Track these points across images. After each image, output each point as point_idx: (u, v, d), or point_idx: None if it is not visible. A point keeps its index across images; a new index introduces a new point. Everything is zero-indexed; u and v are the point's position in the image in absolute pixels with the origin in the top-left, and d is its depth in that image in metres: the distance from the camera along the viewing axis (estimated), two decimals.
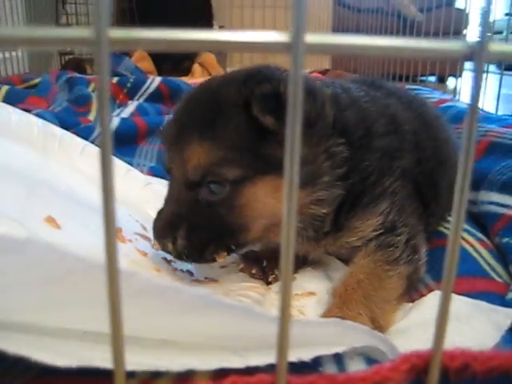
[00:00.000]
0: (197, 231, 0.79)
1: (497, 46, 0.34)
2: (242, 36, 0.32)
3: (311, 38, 0.32)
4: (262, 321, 0.48)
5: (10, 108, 1.07)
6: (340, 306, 0.75)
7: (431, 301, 0.80)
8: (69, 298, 0.44)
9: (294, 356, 0.47)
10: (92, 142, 1.34)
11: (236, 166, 0.76)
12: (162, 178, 1.27)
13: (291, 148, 0.33)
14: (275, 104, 0.72)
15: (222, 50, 0.43)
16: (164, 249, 0.81)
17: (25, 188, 0.86)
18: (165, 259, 0.90)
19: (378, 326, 0.74)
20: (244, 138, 0.76)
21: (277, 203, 0.77)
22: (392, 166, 0.87)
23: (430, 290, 0.87)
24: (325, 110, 0.78)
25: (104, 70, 0.32)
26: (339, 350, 0.53)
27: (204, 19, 3.48)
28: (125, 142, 1.58)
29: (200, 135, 0.76)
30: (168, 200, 0.83)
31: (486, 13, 0.33)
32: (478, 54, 0.34)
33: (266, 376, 0.40)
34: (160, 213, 0.83)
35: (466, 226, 1.13)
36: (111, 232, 0.35)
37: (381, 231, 0.84)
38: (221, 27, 3.47)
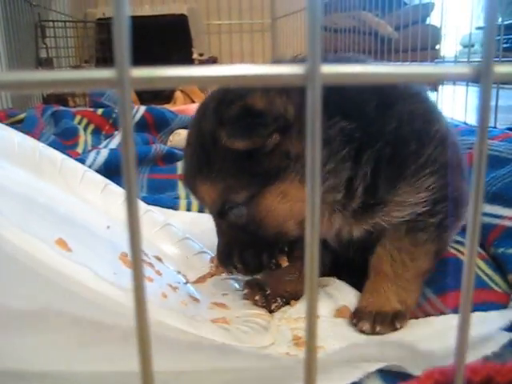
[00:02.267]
0: (246, 250, 0.84)
1: (502, 68, 0.36)
2: (259, 69, 0.33)
3: (327, 68, 0.33)
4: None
5: (12, 131, 1.07)
6: (371, 292, 0.87)
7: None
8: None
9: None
10: (90, 167, 1.35)
11: (240, 189, 0.79)
12: (155, 205, 1.28)
13: (312, 185, 0.34)
14: (246, 123, 0.75)
15: (241, 85, 0.45)
16: (233, 274, 0.91)
17: (29, 211, 0.86)
18: (170, 286, 0.90)
19: (406, 306, 0.84)
20: (235, 164, 0.78)
21: (292, 204, 0.80)
22: (430, 130, 0.85)
23: (433, 305, 0.88)
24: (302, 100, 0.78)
25: (127, 110, 0.32)
26: (379, 366, 0.54)
27: (183, 47, 3.51)
28: (115, 174, 1.58)
29: (200, 176, 0.82)
30: (218, 232, 0.89)
31: (490, 34, 0.35)
32: (484, 76, 0.35)
33: None
34: (218, 246, 0.89)
35: (461, 239, 1.14)
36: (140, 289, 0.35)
37: (427, 207, 0.84)
38: (200, 54, 3.49)
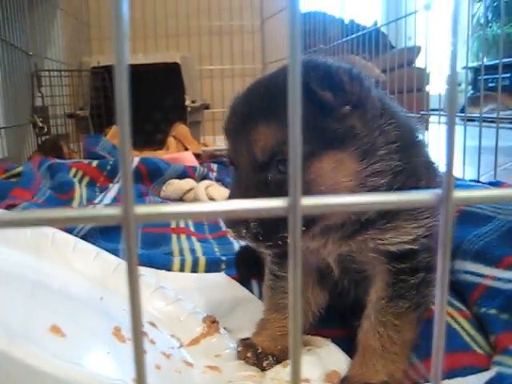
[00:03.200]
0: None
1: (461, 193, 0.41)
2: (247, 204, 0.38)
3: (306, 201, 0.38)
4: None
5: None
6: (360, 365, 0.89)
7: None
8: None
9: None
10: (78, 233, 1.38)
11: (303, 142, 0.80)
12: (150, 266, 1.32)
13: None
14: (331, 83, 0.81)
15: (231, 217, 0.49)
16: (239, 235, 0.82)
17: (23, 292, 0.89)
18: (164, 354, 0.93)
19: (393, 379, 0.87)
20: (308, 116, 0.77)
21: (341, 177, 0.82)
22: (433, 175, 0.96)
23: (417, 372, 0.92)
24: (371, 92, 0.87)
25: (131, 244, 0.37)
26: None
27: (176, 93, 3.59)
28: (109, 229, 1.62)
29: (265, 118, 0.82)
30: (235, 187, 0.87)
31: (449, 161, 0.40)
32: (445, 202, 0.40)
33: None
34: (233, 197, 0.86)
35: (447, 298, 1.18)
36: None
37: (413, 246, 0.88)
38: (193, 102, 3.57)
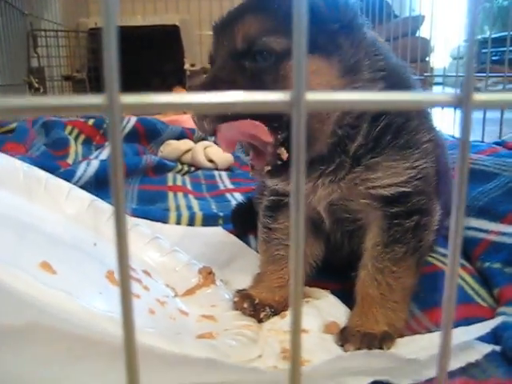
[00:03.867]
0: None
1: (481, 96, 0.37)
2: (246, 96, 0.34)
3: (311, 95, 0.34)
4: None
5: None
6: (359, 315, 0.87)
7: None
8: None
9: None
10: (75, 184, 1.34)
11: (284, 38, 0.78)
12: (145, 218, 1.28)
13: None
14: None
15: (228, 112, 0.46)
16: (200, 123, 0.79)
17: (14, 233, 0.86)
18: (158, 301, 0.90)
19: (394, 329, 0.84)
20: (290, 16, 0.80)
21: (315, 84, 0.80)
22: (426, 125, 0.93)
23: (419, 323, 0.89)
24: (357, 19, 0.86)
25: (116, 136, 0.33)
26: (366, 382, 0.54)
27: (175, 57, 3.52)
28: (105, 184, 1.59)
29: (252, 10, 0.82)
30: (207, 77, 0.83)
31: (470, 64, 0.36)
32: (465, 104, 0.36)
33: None
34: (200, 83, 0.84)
35: (447, 252, 1.15)
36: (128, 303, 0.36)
37: (406, 189, 0.87)
38: (192, 65, 3.51)
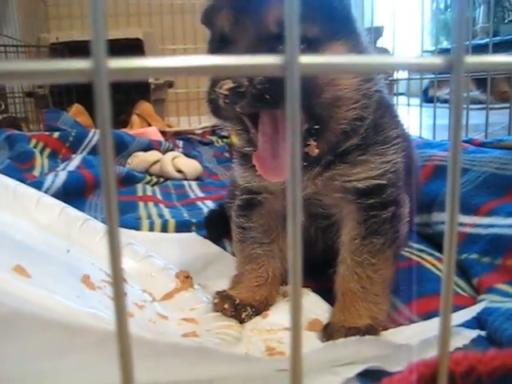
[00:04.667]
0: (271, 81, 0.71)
1: (472, 58, 0.37)
2: (237, 60, 0.33)
3: (305, 59, 0.33)
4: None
5: None
6: (342, 311, 0.85)
7: None
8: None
9: None
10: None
11: (316, 25, 0.77)
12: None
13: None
14: None
15: (219, 75, 0.44)
16: (237, 86, 0.70)
17: None
18: (136, 304, 0.88)
19: (377, 322, 0.83)
20: (325, 4, 0.79)
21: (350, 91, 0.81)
22: (395, 121, 0.95)
23: (401, 314, 0.89)
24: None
25: (104, 102, 0.32)
26: (358, 370, 0.53)
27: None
28: (74, 196, 1.55)
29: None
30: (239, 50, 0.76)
31: (460, 26, 0.36)
32: (456, 66, 0.36)
33: None
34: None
35: (424, 247, 1.16)
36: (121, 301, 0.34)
37: (381, 181, 0.87)
38: (156, 79, 3.48)
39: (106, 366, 0.38)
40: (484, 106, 2.13)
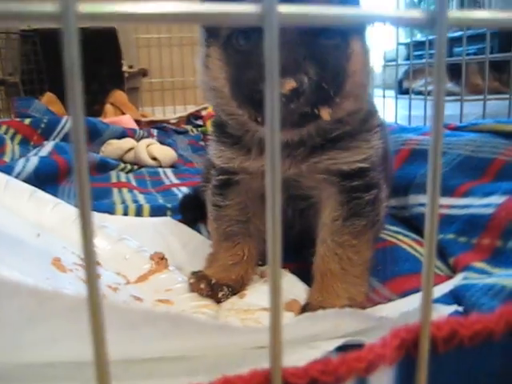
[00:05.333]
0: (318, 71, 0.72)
1: (455, 13, 0.36)
2: (212, 7, 0.32)
3: (284, 8, 0.32)
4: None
5: None
6: (320, 291, 0.85)
7: None
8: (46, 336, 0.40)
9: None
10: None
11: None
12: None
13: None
14: None
15: (193, 23, 0.43)
16: (300, 86, 0.69)
17: None
18: (109, 287, 0.86)
19: (356, 303, 0.81)
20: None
21: (358, 63, 0.81)
22: (374, 108, 0.97)
23: (379, 294, 0.89)
24: None
25: (72, 49, 0.30)
26: (336, 344, 0.53)
27: (113, 59, 3.44)
28: (46, 182, 1.52)
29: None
30: (285, 44, 0.70)
31: None
32: (439, 20, 0.35)
33: (259, 372, 0.38)
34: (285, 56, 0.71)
35: (400, 229, 1.16)
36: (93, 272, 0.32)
37: (364, 165, 0.88)
38: (130, 67, 3.44)
39: (77, 338, 0.36)
40: (457, 97, 2.16)
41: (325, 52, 0.75)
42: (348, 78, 0.79)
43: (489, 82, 1.99)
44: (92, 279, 0.33)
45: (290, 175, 0.88)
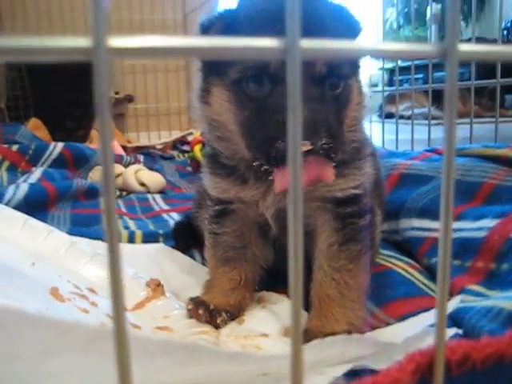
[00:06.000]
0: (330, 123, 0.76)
1: (466, 47, 0.37)
2: (237, 42, 0.33)
3: (306, 43, 0.33)
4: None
5: None
6: (318, 317, 0.85)
7: None
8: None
9: None
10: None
11: (347, 65, 0.82)
12: (84, 237, 1.22)
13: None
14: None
15: (219, 57, 0.42)
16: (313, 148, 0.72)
17: None
18: (107, 315, 0.85)
19: (354, 327, 0.83)
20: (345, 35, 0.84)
21: (356, 106, 0.86)
22: (366, 136, 1.00)
23: (377, 318, 0.89)
24: None
25: (103, 82, 0.30)
26: (344, 369, 0.53)
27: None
28: (36, 209, 1.51)
29: (327, 29, 0.79)
30: (306, 99, 0.73)
31: (455, 15, 0.36)
32: (450, 55, 0.37)
33: None
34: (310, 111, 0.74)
35: (392, 253, 1.18)
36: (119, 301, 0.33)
37: (358, 191, 0.89)
38: (116, 93, 3.45)
39: (95, 368, 0.36)
40: (439, 121, 2.19)
41: (334, 108, 0.78)
42: (347, 116, 0.83)
43: (469, 106, 2.04)
44: (118, 312, 0.33)
45: (281, 206, 0.89)
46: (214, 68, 0.84)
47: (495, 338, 0.43)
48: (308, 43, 0.33)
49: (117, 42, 0.31)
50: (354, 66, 0.87)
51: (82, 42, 0.30)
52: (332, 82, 0.79)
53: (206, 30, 0.83)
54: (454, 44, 0.37)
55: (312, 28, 0.74)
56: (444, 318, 0.41)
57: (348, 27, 0.85)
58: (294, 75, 0.33)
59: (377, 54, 0.36)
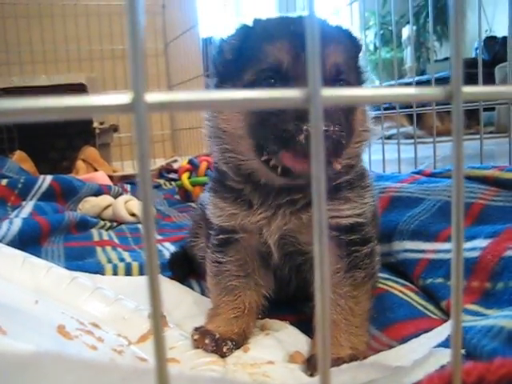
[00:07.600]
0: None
1: (470, 89, 0.40)
2: (264, 94, 0.35)
3: (327, 91, 0.36)
4: None
5: None
6: None
7: None
8: None
9: None
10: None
11: (351, 70, 0.90)
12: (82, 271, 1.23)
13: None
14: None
15: (248, 108, 0.43)
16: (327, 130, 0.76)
17: None
18: (115, 350, 0.86)
19: (358, 352, 0.85)
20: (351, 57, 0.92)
21: (363, 121, 0.94)
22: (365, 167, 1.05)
23: (379, 341, 0.91)
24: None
25: (143, 137, 0.33)
26: None
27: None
28: (30, 243, 1.51)
29: (336, 39, 0.88)
30: None
31: (457, 59, 0.39)
32: (455, 97, 0.40)
33: None
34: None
35: (388, 276, 1.20)
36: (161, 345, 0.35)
37: (361, 219, 0.93)
38: (101, 123, 3.46)
39: None
40: (421, 139, 2.25)
41: (343, 113, 0.83)
42: (353, 132, 0.88)
43: (445, 124, 2.09)
44: (160, 350, 0.35)
45: (289, 228, 0.92)
46: (228, 74, 0.90)
47: (508, 359, 0.45)
48: (328, 92, 0.36)
49: (156, 97, 0.33)
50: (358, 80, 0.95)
51: (122, 99, 0.32)
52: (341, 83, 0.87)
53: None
54: (459, 87, 0.40)
55: (327, 46, 0.84)
56: (459, 342, 0.43)
57: (353, 44, 0.93)
58: (317, 122, 0.36)
59: (391, 100, 0.39)
